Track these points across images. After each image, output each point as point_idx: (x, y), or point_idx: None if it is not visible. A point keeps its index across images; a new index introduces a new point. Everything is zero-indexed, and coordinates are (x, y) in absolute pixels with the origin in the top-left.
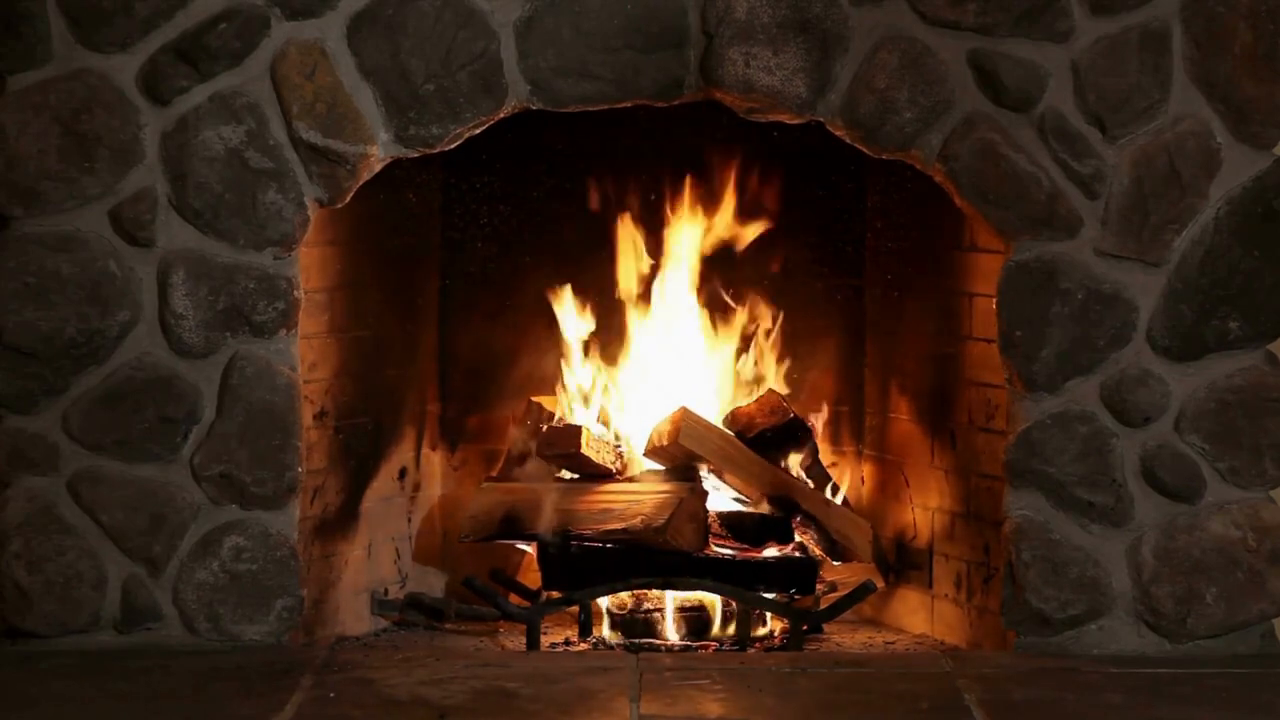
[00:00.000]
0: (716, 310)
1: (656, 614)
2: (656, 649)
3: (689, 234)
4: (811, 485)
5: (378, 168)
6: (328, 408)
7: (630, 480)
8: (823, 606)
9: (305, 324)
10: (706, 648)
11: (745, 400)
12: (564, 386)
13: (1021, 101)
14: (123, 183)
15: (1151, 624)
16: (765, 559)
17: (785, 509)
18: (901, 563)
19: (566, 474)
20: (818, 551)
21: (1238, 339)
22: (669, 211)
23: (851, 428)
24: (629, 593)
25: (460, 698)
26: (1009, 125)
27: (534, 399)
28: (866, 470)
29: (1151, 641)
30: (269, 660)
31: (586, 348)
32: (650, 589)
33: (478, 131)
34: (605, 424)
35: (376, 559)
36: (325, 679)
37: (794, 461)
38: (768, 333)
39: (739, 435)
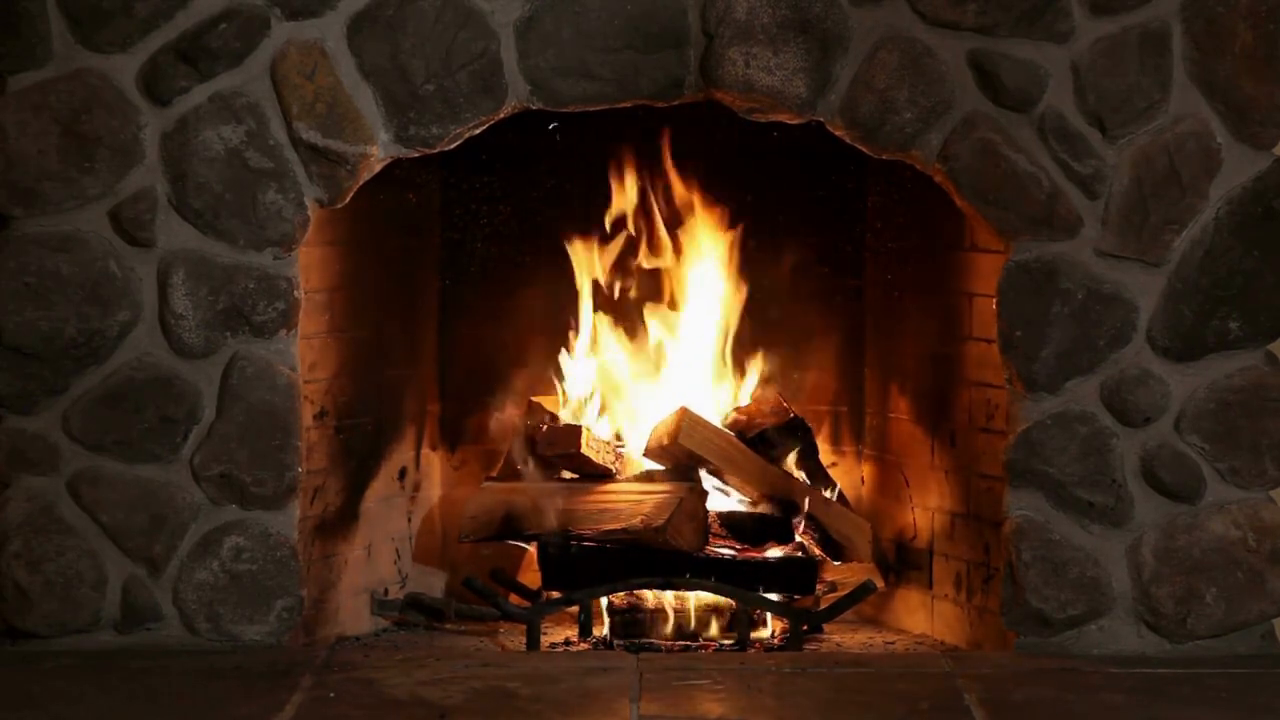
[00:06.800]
0: (717, 309)
1: (656, 614)
2: (656, 649)
3: (688, 234)
4: (811, 485)
5: (378, 168)
6: (328, 408)
7: (630, 480)
8: (823, 606)
9: (305, 324)
10: (706, 648)
11: (745, 400)
12: (563, 388)
13: (1021, 101)
14: (123, 183)
15: (1151, 624)
16: (765, 559)
17: (785, 509)
18: (901, 563)
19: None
20: (818, 551)
21: (1238, 339)
22: (668, 212)
23: (851, 428)
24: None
25: (460, 698)
26: (1009, 125)
27: (534, 399)
28: (866, 470)
29: (1151, 641)
30: (269, 660)
31: (586, 347)
32: (650, 589)
33: (478, 131)
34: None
35: (376, 559)
36: (325, 679)
37: (794, 461)
38: (766, 331)
39: (739, 435)
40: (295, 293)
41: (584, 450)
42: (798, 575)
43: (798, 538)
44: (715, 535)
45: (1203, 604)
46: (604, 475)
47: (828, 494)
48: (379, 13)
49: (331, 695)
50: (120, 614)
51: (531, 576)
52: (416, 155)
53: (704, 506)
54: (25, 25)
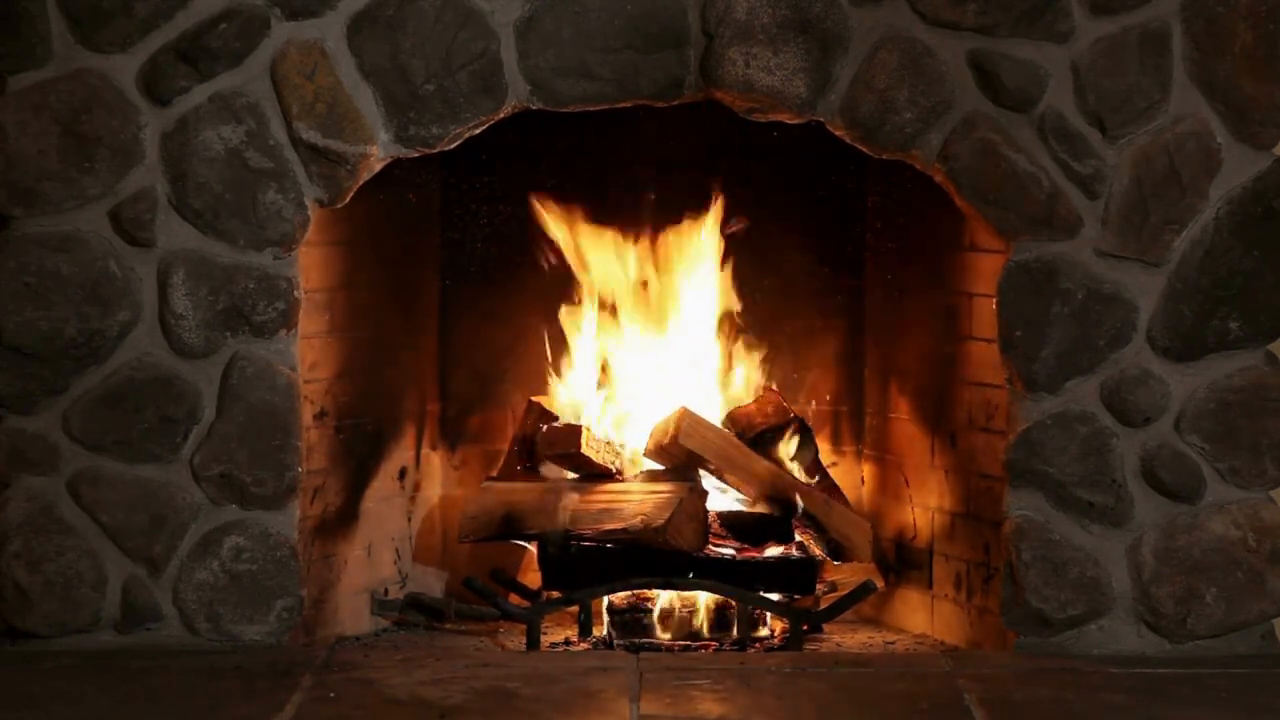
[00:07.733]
0: (715, 309)
1: (656, 614)
2: (656, 649)
3: (689, 234)
4: (811, 485)
5: (378, 168)
6: (328, 408)
7: (630, 480)
8: (823, 606)
9: (305, 324)
10: (706, 648)
11: (745, 400)
12: (561, 387)
13: (1021, 101)
14: (123, 183)
15: (1151, 624)
16: (765, 559)
17: (785, 509)
18: (901, 563)
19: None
20: (818, 551)
21: (1238, 339)
22: (668, 212)
23: (851, 428)
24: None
25: (460, 698)
26: (1009, 125)
27: (534, 399)
28: (866, 470)
29: (1151, 641)
30: (269, 660)
31: (587, 348)
32: (650, 589)
33: (478, 131)
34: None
35: (376, 559)
36: (325, 679)
37: (794, 461)
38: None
39: (739, 435)
40: (295, 293)
41: (584, 450)
42: (798, 575)
43: (798, 538)
44: (715, 535)
45: (1203, 604)
46: (604, 475)
47: (827, 494)
48: (379, 13)
49: (331, 695)
50: (120, 614)
51: (531, 576)
52: (416, 155)
53: (704, 506)
54: (25, 25)
